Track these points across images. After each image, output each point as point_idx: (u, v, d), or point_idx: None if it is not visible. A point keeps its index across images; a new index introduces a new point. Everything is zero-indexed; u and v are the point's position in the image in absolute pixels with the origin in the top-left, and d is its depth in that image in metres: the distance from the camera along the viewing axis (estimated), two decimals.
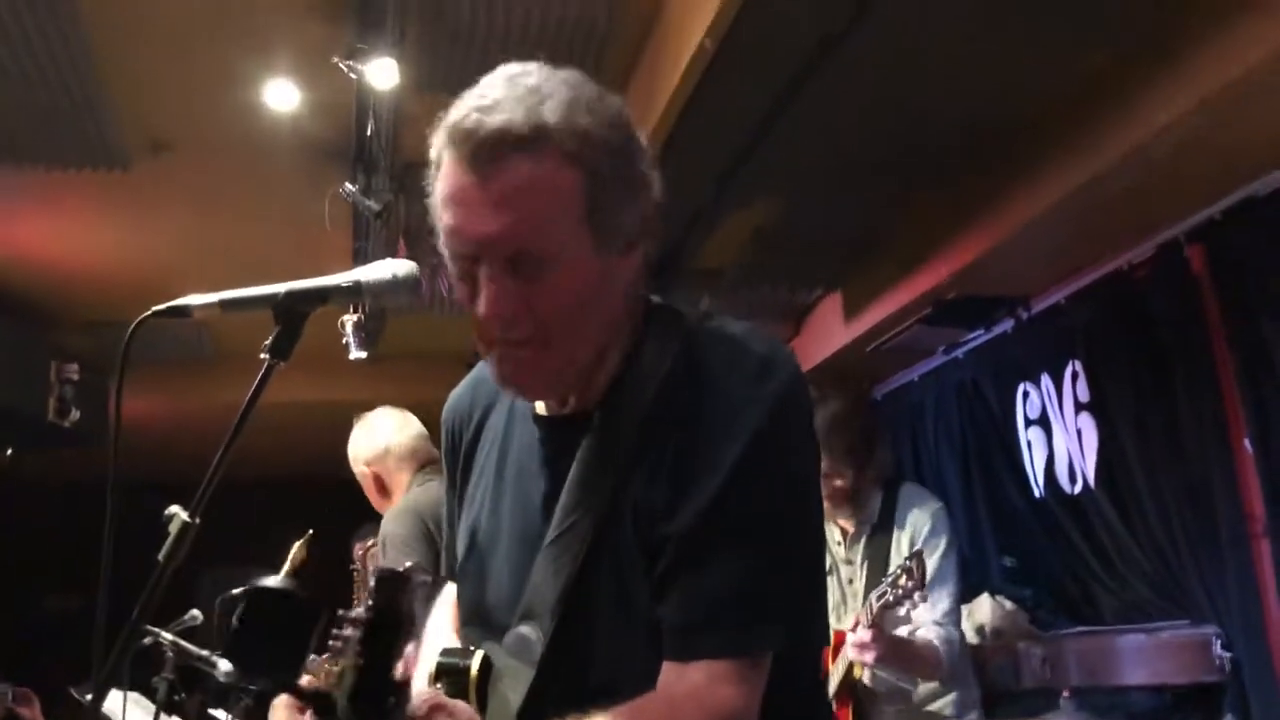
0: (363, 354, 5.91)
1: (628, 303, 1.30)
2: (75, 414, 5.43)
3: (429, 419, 3.47)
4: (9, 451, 5.69)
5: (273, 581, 3.56)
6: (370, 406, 3.55)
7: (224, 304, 1.40)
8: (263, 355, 1.41)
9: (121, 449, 1.37)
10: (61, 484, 7.28)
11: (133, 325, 1.39)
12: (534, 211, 1.17)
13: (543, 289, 1.20)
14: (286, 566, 3.40)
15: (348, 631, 1.14)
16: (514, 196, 1.16)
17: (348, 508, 3.48)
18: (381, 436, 3.25)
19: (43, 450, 5.67)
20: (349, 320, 5.29)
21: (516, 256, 1.19)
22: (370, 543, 3.68)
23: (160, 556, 1.40)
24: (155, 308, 1.40)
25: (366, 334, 5.70)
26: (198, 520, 1.41)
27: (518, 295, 1.20)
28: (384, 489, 3.22)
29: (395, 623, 1.13)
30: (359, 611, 1.14)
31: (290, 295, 1.40)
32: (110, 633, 1.32)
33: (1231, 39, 3.10)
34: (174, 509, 1.43)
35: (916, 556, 2.97)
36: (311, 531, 3.46)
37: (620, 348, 1.30)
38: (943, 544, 3.25)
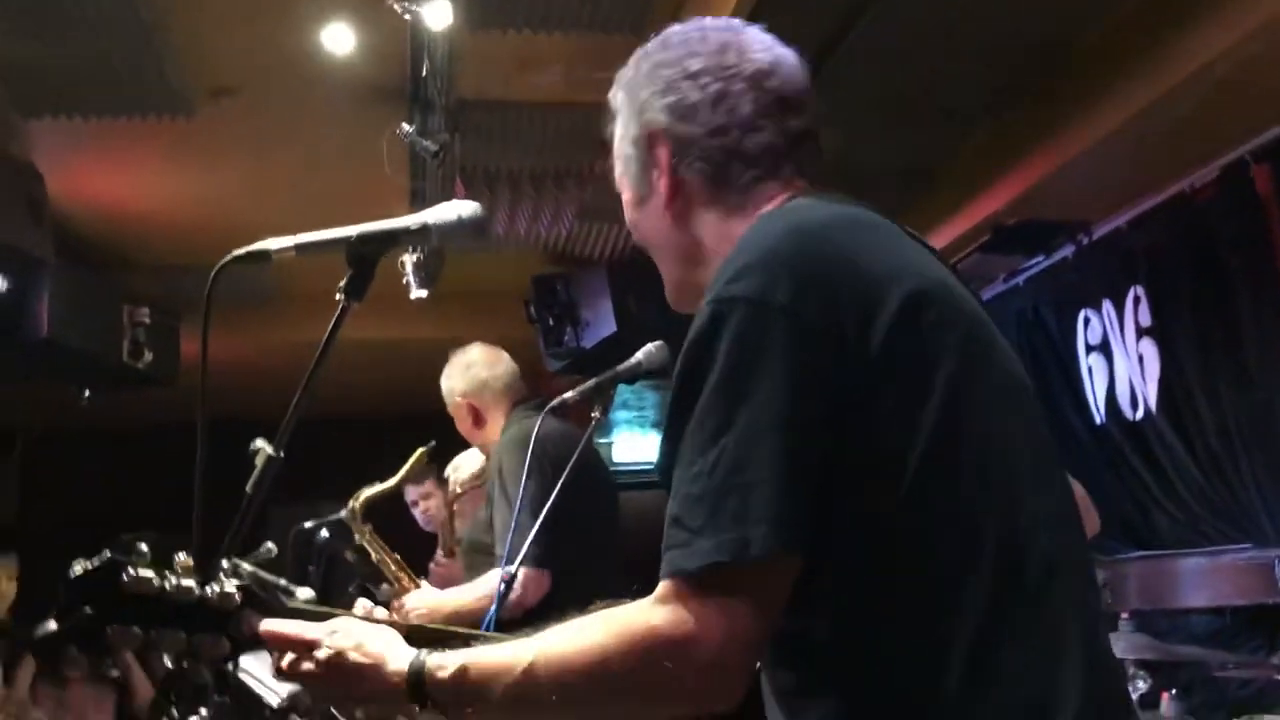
0: (423, 293, 5.98)
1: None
2: (149, 356, 5.56)
3: None
4: (86, 394, 5.85)
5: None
6: (431, 345, 3.58)
7: (299, 247, 1.46)
8: (338, 296, 1.46)
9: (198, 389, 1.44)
10: (137, 426, 7.50)
11: (215, 269, 1.45)
12: None
13: None
14: (403, 472, 3.51)
15: None
16: None
17: (410, 445, 3.51)
18: (478, 369, 3.29)
19: (118, 392, 5.83)
20: (409, 260, 5.35)
21: None
22: (460, 490, 3.62)
23: (248, 488, 1.48)
24: (235, 252, 1.45)
25: (426, 273, 5.77)
26: (282, 454, 1.48)
27: None
28: (480, 420, 3.26)
29: None
30: None
31: (362, 238, 1.46)
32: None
33: None
34: (259, 443, 1.49)
35: None
36: (434, 443, 3.48)
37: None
38: None
